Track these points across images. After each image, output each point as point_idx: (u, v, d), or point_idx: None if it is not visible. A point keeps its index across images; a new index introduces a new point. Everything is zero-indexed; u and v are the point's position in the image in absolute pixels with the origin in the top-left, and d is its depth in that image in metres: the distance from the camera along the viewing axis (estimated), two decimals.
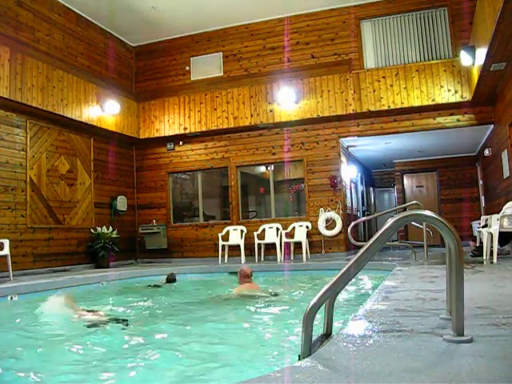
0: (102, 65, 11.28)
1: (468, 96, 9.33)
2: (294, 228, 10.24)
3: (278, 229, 10.15)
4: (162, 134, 11.47)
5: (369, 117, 10.20)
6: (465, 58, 8.47)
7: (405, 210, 9.21)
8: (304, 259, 9.54)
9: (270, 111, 10.62)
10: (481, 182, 12.86)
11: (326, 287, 2.01)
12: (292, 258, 10.06)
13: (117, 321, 4.35)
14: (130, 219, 11.70)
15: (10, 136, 8.43)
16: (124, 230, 11.13)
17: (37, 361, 3.08)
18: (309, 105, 10.37)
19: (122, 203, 11.12)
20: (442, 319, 2.44)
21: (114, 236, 10.13)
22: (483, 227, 7.23)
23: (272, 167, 11.27)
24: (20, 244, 8.41)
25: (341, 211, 10.28)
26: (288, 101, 10.36)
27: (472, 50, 8.29)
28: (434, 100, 9.55)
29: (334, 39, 10.82)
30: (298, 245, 9.98)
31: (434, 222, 1.99)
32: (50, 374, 2.77)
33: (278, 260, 9.76)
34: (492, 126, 9.73)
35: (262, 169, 11.70)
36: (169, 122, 11.41)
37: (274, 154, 10.99)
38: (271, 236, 10.09)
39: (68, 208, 9.72)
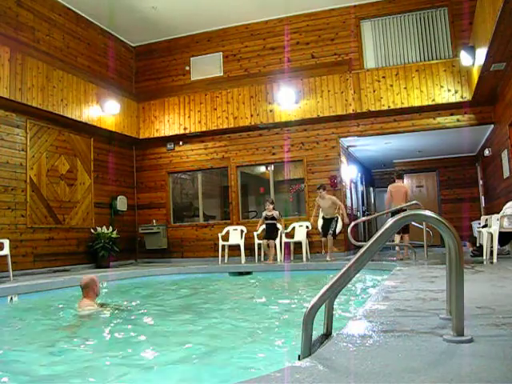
0: (102, 65, 11.28)
1: (468, 96, 9.33)
2: (293, 228, 10.23)
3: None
4: (162, 134, 11.47)
5: (369, 117, 10.20)
6: (465, 58, 8.47)
7: (405, 210, 9.21)
8: (304, 259, 9.54)
9: (270, 111, 10.62)
10: (481, 182, 12.86)
11: (326, 287, 2.01)
12: (292, 258, 10.05)
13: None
14: (130, 219, 11.70)
15: (10, 136, 8.42)
16: (124, 230, 11.13)
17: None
18: (309, 105, 10.37)
19: (122, 203, 11.12)
20: (442, 319, 2.44)
21: (113, 236, 10.13)
22: (483, 227, 7.23)
23: (272, 167, 11.27)
24: (20, 244, 8.41)
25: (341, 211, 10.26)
26: (288, 101, 10.36)
27: (472, 50, 8.29)
28: (434, 100, 9.55)
29: (334, 39, 10.82)
30: (298, 245, 9.98)
31: (434, 222, 1.99)
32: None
33: (278, 260, 9.76)
34: (492, 126, 9.73)
35: (262, 169, 11.70)
36: (169, 122, 11.41)
37: (274, 153, 10.99)
38: None
39: (68, 208, 9.72)
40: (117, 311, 4.71)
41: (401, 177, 9.49)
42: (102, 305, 4.78)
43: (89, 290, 4.58)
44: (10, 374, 2.70)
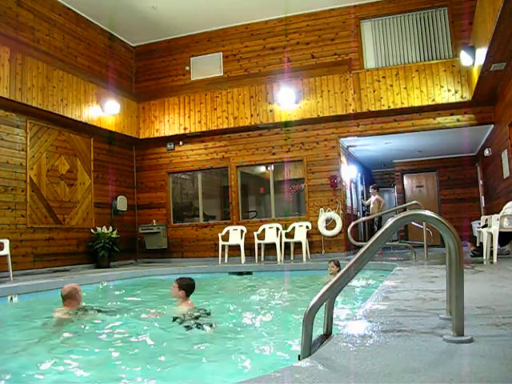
0: (102, 65, 11.28)
1: (468, 96, 9.33)
2: (293, 228, 10.24)
3: (277, 229, 10.15)
4: (162, 134, 11.47)
5: (369, 117, 10.20)
6: (465, 58, 8.47)
7: (405, 210, 9.21)
8: (304, 259, 9.54)
9: (270, 111, 10.62)
10: (481, 182, 12.86)
11: (326, 287, 2.01)
12: (292, 258, 10.06)
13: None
14: (130, 219, 11.70)
15: (9, 136, 8.42)
16: (124, 230, 11.13)
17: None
18: (309, 105, 10.37)
19: (122, 203, 11.12)
20: (441, 319, 2.44)
21: (113, 236, 10.12)
22: (483, 227, 7.23)
23: (272, 167, 11.27)
24: (20, 244, 8.41)
25: (341, 211, 10.28)
26: (288, 101, 10.36)
27: (472, 50, 8.29)
28: (434, 100, 9.55)
29: (334, 39, 10.81)
30: (298, 245, 9.98)
31: (433, 222, 1.99)
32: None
33: (278, 260, 9.76)
34: (492, 126, 9.73)
35: (262, 169, 11.69)
36: (169, 122, 11.41)
37: (274, 153, 10.99)
38: (271, 236, 10.09)
39: (68, 208, 9.71)
40: (98, 314, 4.53)
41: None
42: (84, 309, 4.57)
43: (70, 299, 4.44)
44: None
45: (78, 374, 2.79)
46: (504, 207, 6.57)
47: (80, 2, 10.13)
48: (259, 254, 10.12)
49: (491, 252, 6.34)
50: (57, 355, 3.16)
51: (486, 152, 10.53)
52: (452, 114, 9.83)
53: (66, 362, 3.00)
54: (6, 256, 7.25)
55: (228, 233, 10.47)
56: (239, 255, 9.98)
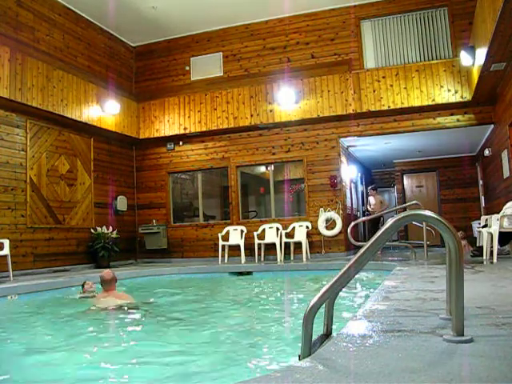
0: (102, 65, 11.28)
1: (468, 96, 9.33)
2: (293, 228, 10.24)
3: (277, 229, 10.15)
4: (162, 134, 11.47)
5: (369, 117, 10.20)
6: (465, 58, 8.47)
7: (405, 209, 9.21)
8: (304, 259, 9.54)
9: (270, 111, 10.62)
10: (481, 182, 12.86)
11: (326, 287, 2.01)
12: (292, 258, 10.06)
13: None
14: (130, 219, 11.70)
15: (9, 136, 8.42)
16: (124, 230, 11.13)
17: None
18: (309, 105, 10.37)
19: (122, 203, 11.12)
20: (441, 319, 2.44)
21: (114, 236, 10.13)
22: (483, 227, 7.23)
23: (272, 167, 11.27)
24: (20, 244, 8.41)
25: (341, 211, 10.28)
26: (288, 101, 10.36)
27: (472, 50, 8.29)
28: (433, 100, 9.55)
29: (334, 39, 10.81)
30: (298, 245, 9.98)
31: (433, 222, 1.99)
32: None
33: (278, 260, 9.76)
34: (492, 126, 9.73)
35: (262, 169, 11.70)
36: (169, 122, 11.41)
37: (274, 153, 10.99)
38: (271, 236, 10.09)
39: (68, 208, 9.71)
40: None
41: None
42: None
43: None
44: None
45: None
46: (504, 207, 6.56)
47: (80, 2, 10.13)
48: (259, 254, 10.12)
49: (491, 252, 6.34)
50: None
51: (486, 152, 10.53)
52: (452, 114, 9.83)
53: None
54: (6, 256, 7.25)
55: (228, 233, 10.47)
56: (239, 255, 9.98)
